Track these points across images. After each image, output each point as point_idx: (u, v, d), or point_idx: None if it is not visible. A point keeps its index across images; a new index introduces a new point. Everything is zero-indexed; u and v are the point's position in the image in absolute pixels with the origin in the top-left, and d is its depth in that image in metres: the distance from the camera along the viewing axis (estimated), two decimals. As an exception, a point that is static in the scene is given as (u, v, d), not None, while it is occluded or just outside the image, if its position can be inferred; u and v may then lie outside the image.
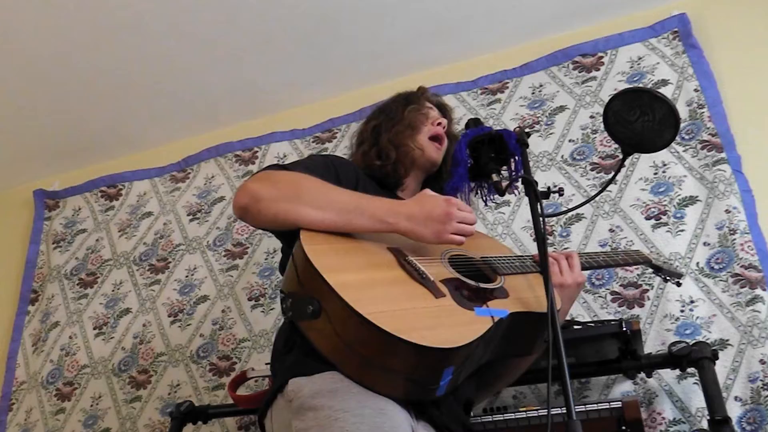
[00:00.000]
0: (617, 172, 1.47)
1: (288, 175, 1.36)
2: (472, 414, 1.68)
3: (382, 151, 1.65)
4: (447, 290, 1.30)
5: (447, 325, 1.22)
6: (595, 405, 1.57)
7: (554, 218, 2.18)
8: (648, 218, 2.08)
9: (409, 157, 1.64)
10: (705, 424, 1.68)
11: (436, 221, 1.31)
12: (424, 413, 1.29)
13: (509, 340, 1.36)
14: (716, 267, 1.95)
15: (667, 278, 1.77)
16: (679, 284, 1.79)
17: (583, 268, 1.62)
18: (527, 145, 1.40)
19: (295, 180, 1.34)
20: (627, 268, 2.02)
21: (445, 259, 1.41)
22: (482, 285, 1.37)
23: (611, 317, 1.94)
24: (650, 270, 1.99)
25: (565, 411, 1.07)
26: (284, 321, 1.40)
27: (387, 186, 1.65)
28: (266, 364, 1.76)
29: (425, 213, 1.32)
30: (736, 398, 1.76)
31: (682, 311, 1.91)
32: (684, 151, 2.14)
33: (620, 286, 2.01)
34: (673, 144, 2.02)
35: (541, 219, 1.28)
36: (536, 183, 1.34)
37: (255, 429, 2.16)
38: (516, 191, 1.47)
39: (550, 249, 1.71)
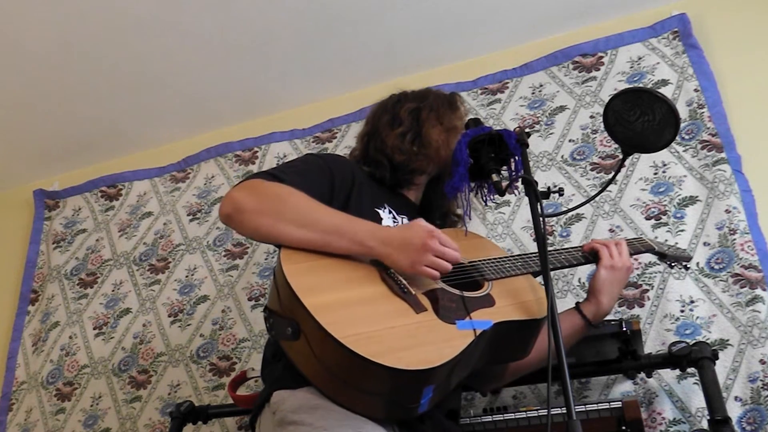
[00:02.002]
0: (617, 172, 1.47)
1: (274, 187, 1.34)
2: (471, 414, 1.68)
3: (421, 140, 1.61)
4: (429, 303, 1.28)
5: (425, 344, 1.20)
6: (595, 405, 1.58)
7: (554, 218, 2.18)
8: (648, 218, 2.08)
9: (439, 157, 1.62)
10: (705, 424, 1.68)
11: (413, 250, 1.28)
12: (408, 427, 1.28)
13: (498, 347, 1.35)
14: (716, 267, 1.95)
15: (673, 264, 1.75)
16: (687, 268, 1.78)
17: (582, 263, 1.62)
18: (527, 145, 1.40)
19: (280, 195, 1.33)
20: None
21: None
22: (467, 294, 1.35)
23: (611, 317, 1.93)
24: (650, 270, 2.00)
25: (565, 411, 1.07)
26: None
27: (397, 182, 1.63)
28: (252, 369, 1.78)
29: (404, 240, 1.30)
30: (736, 398, 1.76)
31: (682, 311, 1.91)
32: (684, 151, 2.14)
33: (620, 286, 2.01)
34: (673, 144, 2.02)
35: (541, 219, 1.28)
36: (536, 183, 1.34)
37: (255, 429, 2.16)
38: (516, 191, 1.47)
39: (550, 249, 1.71)
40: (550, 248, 1.60)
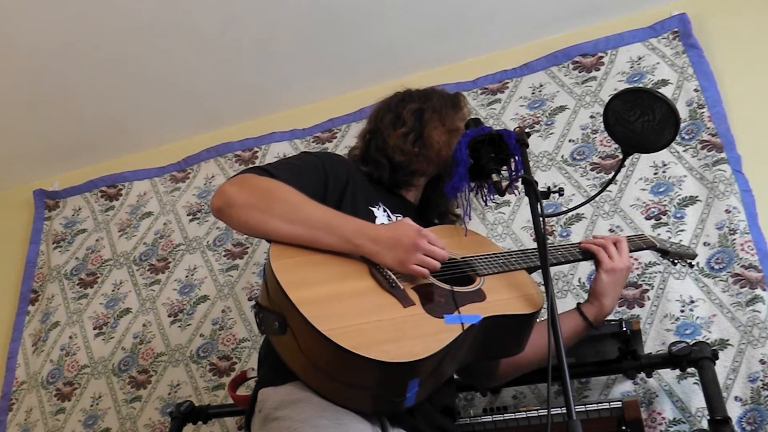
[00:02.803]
0: (617, 172, 1.47)
1: (265, 182, 1.34)
2: (471, 414, 1.68)
3: (423, 141, 1.61)
4: (417, 298, 1.28)
5: (411, 337, 1.20)
6: (595, 405, 1.58)
7: (554, 218, 2.18)
8: (648, 218, 2.08)
9: (439, 159, 1.62)
10: (705, 424, 1.68)
11: (402, 249, 1.28)
12: (399, 420, 1.29)
13: (489, 343, 1.34)
14: (716, 267, 1.95)
15: (677, 261, 1.74)
16: (692, 265, 1.77)
17: (579, 259, 1.61)
18: (527, 145, 1.40)
19: (271, 189, 1.33)
20: (627, 267, 2.02)
21: None
22: (456, 289, 1.35)
23: (611, 317, 1.93)
24: (650, 270, 2.00)
25: (565, 411, 1.07)
26: None
27: (396, 183, 1.63)
28: (252, 369, 1.78)
29: (393, 238, 1.30)
30: (736, 398, 1.76)
31: (682, 311, 1.91)
32: (684, 151, 2.14)
33: (620, 286, 2.01)
34: (673, 144, 2.02)
35: (541, 219, 1.28)
36: (536, 183, 1.33)
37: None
38: (516, 191, 1.46)
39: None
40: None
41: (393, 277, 1.28)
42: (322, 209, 1.34)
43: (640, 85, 2.25)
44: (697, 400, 1.77)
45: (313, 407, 1.20)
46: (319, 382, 1.20)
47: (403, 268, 1.29)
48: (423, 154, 1.61)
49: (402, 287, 1.28)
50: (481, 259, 1.47)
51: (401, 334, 1.20)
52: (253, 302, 2.44)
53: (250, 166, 1.48)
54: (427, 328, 1.23)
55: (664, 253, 1.72)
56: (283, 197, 1.32)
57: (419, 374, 1.19)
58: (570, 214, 2.16)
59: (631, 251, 1.60)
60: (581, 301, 2.01)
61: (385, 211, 1.52)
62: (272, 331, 1.24)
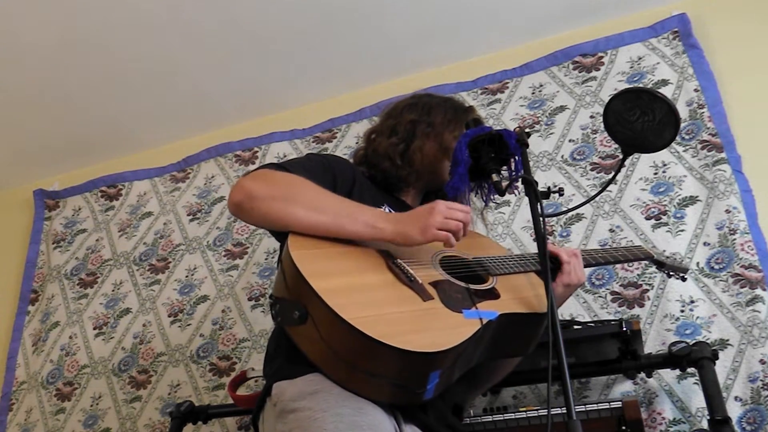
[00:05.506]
0: (617, 172, 1.47)
1: (285, 176, 1.36)
2: (471, 414, 1.68)
3: (408, 155, 1.63)
4: (435, 293, 1.29)
5: (433, 329, 1.21)
6: (595, 405, 1.58)
7: (554, 218, 2.18)
8: (648, 218, 2.09)
9: (428, 174, 1.64)
10: (705, 424, 1.68)
11: (421, 218, 1.31)
12: (411, 416, 1.29)
13: (501, 341, 1.35)
14: (716, 267, 1.95)
15: (671, 273, 1.76)
16: (684, 279, 1.79)
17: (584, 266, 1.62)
18: (527, 145, 1.40)
19: (291, 181, 1.34)
20: (627, 267, 2.02)
21: (436, 261, 1.40)
22: (472, 286, 1.36)
23: (611, 317, 1.94)
24: (650, 270, 2.00)
25: (565, 411, 1.07)
26: (275, 326, 1.40)
27: (388, 186, 1.65)
28: (252, 369, 1.79)
29: (411, 214, 1.34)
30: (736, 398, 1.76)
31: (682, 311, 1.91)
32: (684, 151, 2.14)
33: (620, 286, 2.01)
34: (673, 144, 2.02)
35: (541, 219, 1.28)
36: (536, 183, 1.33)
37: (255, 429, 2.16)
38: (516, 191, 1.47)
39: (550, 247, 1.70)
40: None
41: (411, 271, 1.30)
42: (343, 199, 1.36)
43: (640, 85, 2.25)
44: (697, 400, 1.77)
45: (333, 397, 1.19)
46: (340, 372, 1.21)
47: (426, 235, 1.30)
48: (406, 168, 1.63)
49: (420, 282, 1.29)
50: (492, 260, 1.49)
51: (423, 325, 1.21)
52: (252, 302, 2.44)
53: (264, 163, 1.49)
54: (447, 321, 1.24)
55: (660, 264, 1.74)
56: (304, 187, 1.33)
57: (441, 366, 1.19)
58: (570, 214, 2.16)
59: (630, 261, 1.62)
60: (581, 300, 2.03)
61: (390, 212, 1.53)
62: (291, 322, 1.23)
